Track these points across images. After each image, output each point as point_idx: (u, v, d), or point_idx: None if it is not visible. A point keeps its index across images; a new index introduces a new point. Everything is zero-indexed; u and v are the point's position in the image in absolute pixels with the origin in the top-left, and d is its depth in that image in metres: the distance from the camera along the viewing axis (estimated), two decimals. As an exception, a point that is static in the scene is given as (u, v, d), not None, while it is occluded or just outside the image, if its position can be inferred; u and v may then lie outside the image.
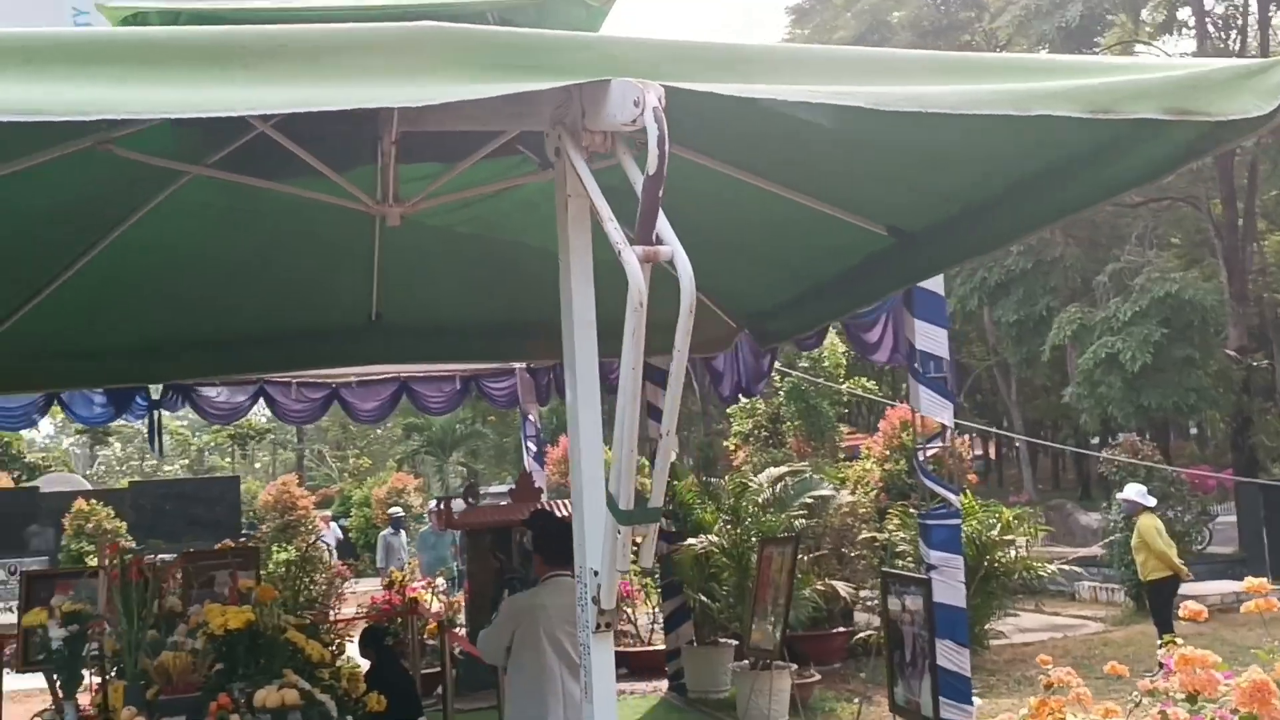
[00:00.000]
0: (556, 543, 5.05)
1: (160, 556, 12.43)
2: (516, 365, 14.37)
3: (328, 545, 22.63)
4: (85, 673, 7.32)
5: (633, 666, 11.62)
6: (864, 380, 16.34)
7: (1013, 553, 9.97)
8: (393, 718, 8.27)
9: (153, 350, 5.54)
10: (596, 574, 2.36)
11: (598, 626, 2.37)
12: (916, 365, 7.21)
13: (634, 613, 12.43)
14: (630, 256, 2.10)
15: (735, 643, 9.85)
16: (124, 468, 46.93)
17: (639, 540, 2.35)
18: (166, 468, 43.62)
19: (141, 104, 1.88)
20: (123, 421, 13.03)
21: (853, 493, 12.15)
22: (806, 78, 2.34)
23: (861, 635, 10.50)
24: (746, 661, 9.32)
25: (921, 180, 3.88)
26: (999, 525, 9.90)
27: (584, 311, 2.50)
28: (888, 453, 13.18)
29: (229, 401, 13.36)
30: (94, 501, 17.01)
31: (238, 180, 4.02)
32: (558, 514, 11.35)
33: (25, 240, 4.37)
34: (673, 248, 2.16)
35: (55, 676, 6.90)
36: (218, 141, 3.93)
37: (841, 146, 3.65)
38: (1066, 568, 13.62)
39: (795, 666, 9.41)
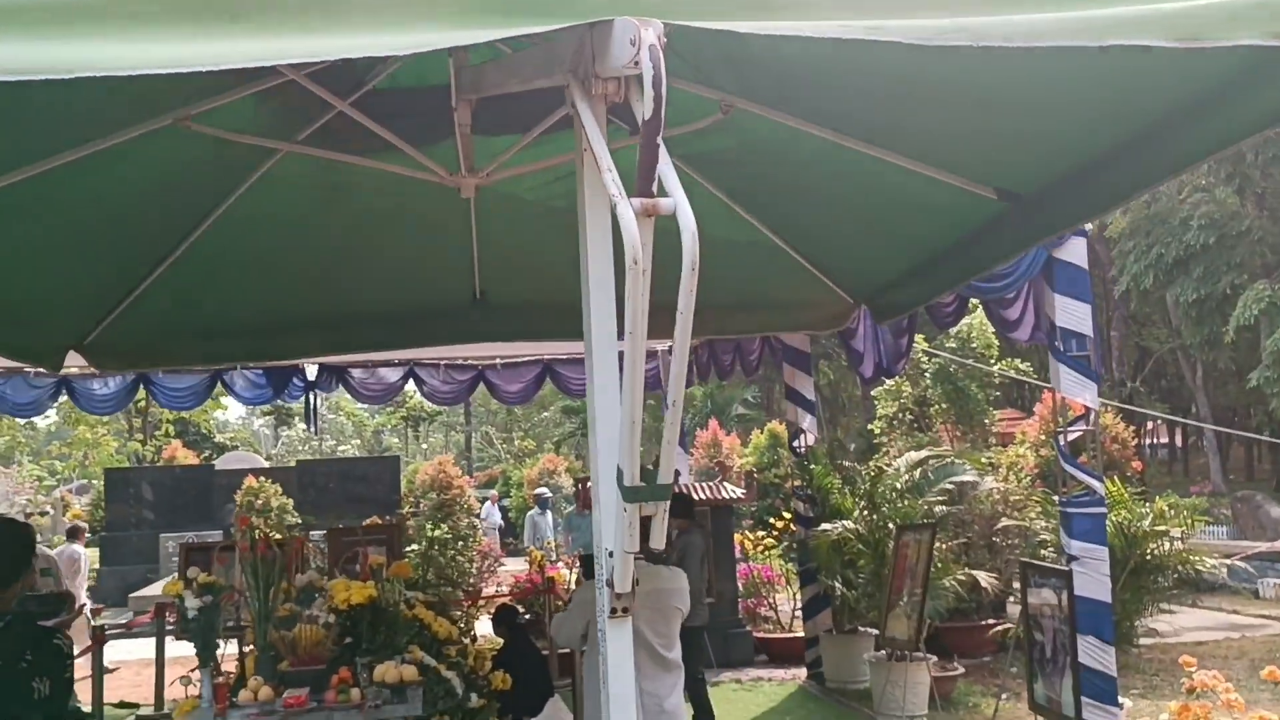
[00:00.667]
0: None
1: (311, 532, 12.94)
2: (659, 347, 14.33)
3: (493, 525, 23.23)
4: (222, 642, 7.64)
5: (772, 653, 11.42)
6: (1017, 362, 15.54)
7: (1168, 545, 9.27)
8: (521, 697, 8.34)
9: (268, 328, 5.66)
10: (611, 555, 2.20)
11: (613, 611, 2.21)
12: (1057, 343, 6.77)
13: (774, 599, 12.19)
14: (625, 209, 1.92)
15: (875, 632, 9.51)
16: (305, 448, 49.18)
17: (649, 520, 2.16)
18: (342, 448, 45.56)
19: (123, 61, 1.81)
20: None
21: (1004, 480, 11.56)
22: (843, 12, 2.10)
23: (1007, 629, 9.97)
24: (883, 652, 8.98)
25: (1028, 137, 3.56)
26: (1151, 516, 9.22)
27: (601, 274, 2.33)
28: (1044, 438, 12.51)
29: (381, 382, 13.78)
30: (264, 479, 17.80)
31: (322, 155, 4.02)
32: (695, 496, 11.28)
33: (134, 219, 4.49)
34: (675, 200, 1.96)
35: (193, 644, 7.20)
36: (299, 119, 3.93)
37: (944, 105, 3.38)
38: (1242, 565, 12.65)
39: (935, 659, 9.02)
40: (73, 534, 12.45)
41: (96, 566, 18.64)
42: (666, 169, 1.98)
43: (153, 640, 10.01)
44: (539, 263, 5.12)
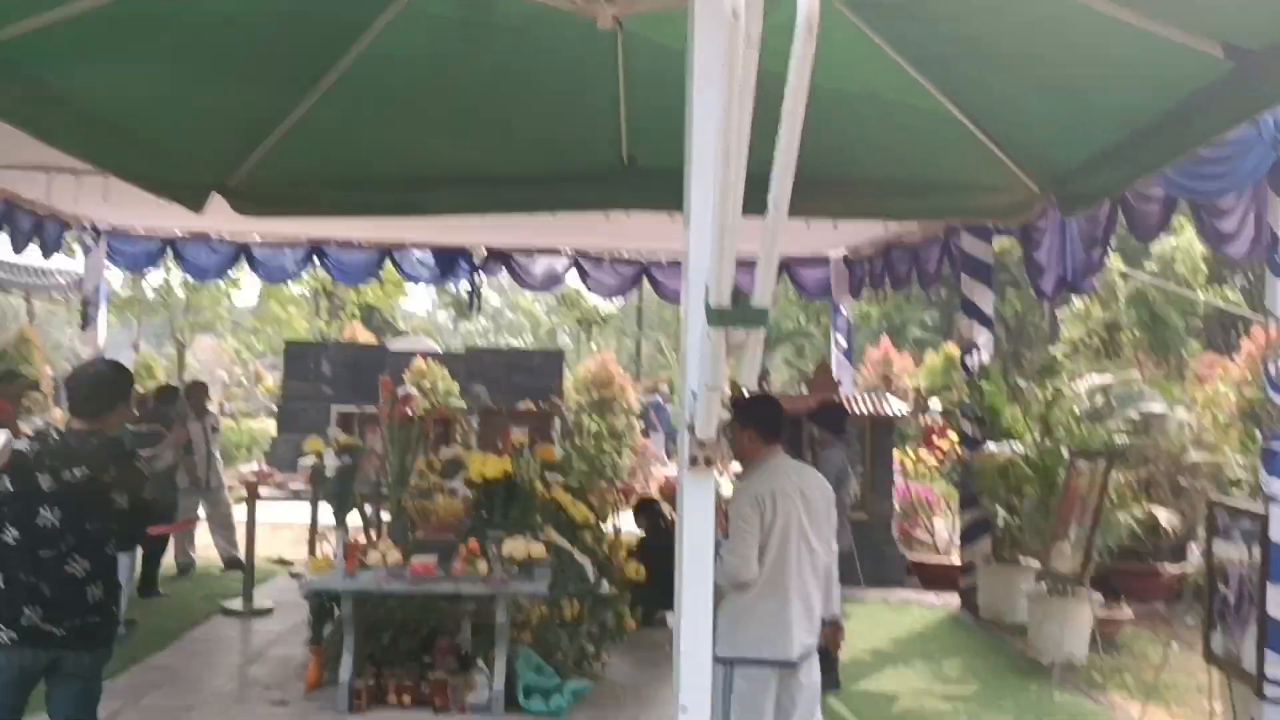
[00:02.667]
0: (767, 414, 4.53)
1: (461, 409, 13.06)
2: (831, 253, 13.73)
3: (656, 426, 23.23)
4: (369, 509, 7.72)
5: (925, 577, 10.92)
6: (1226, 291, 14.16)
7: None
8: (657, 591, 8.18)
9: (408, 181, 5.46)
10: (695, 396, 1.83)
11: (694, 460, 1.85)
12: (1277, 257, 5.94)
13: (931, 522, 11.65)
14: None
15: (1036, 564, 8.90)
16: (483, 340, 50.47)
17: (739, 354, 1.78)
18: (515, 343, 46.50)
19: None
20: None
21: (1200, 416, 10.58)
22: None
23: (1185, 573, 9.18)
24: (1044, 585, 8.39)
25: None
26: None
27: (708, 65, 1.92)
28: (1249, 376, 11.37)
29: (546, 270, 13.71)
30: (432, 362, 18.17)
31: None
32: (854, 409, 10.77)
33: (270, 51, 4.31)
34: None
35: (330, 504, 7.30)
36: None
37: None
38: None
39: (1100, 598, 8.37)
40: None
41: (273, 435, 19.55)
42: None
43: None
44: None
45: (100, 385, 4.00)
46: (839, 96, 4.34)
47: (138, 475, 3.96)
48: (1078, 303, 14.24)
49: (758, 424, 4.39)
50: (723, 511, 4.36)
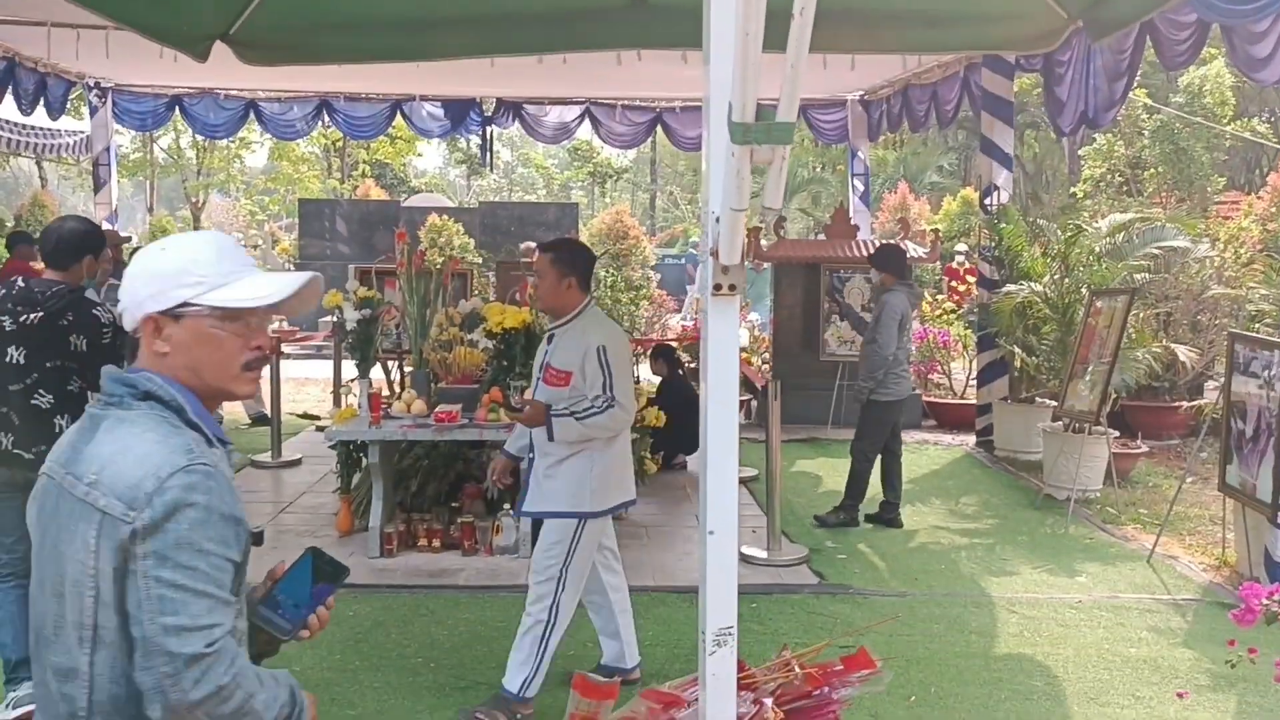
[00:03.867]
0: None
1: (476, 263, 13.05)
2: (848, 96, 13.43)
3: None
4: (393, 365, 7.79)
5: (942, 419, 11.04)
6: (1254, 123, 13.79)
7: None
8: (677, 436, 8.31)
9: (413, 23, 5.30)
10: (718, 220, 1.81)
11: (717, 287, 1.84)
12: (1311, 82, 5.78)
13: (948, 366, 11.70)
14: None
15: (1053, 403, 8.97)
16: (496, 197, 50.05)
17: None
18: (528, 199, 46.08)
19: None
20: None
21: (1222, 252, 10.45)
22: None
23: (1202, 406, 9.22)
24: (1060, 423, 8.47)
25: None
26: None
27: None
28: (1273, 211, 11.19)
29: (558, 121, 13.49)
30: (446, 217, 18.06)
31: None
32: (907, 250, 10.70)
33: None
34: None
35: (351, 356, 7.36)
36: None
37: None
38: None
39: (1116, 434, 8.46)
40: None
41: (293, 292, 19.59)
42: None
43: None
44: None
45: (67, 239, 4.28)
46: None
47: (94, 321, 4.18)
48: (1100, 139, 13.91)
49: (580, 272, 4.23)
50: (548, 367, 4.27)
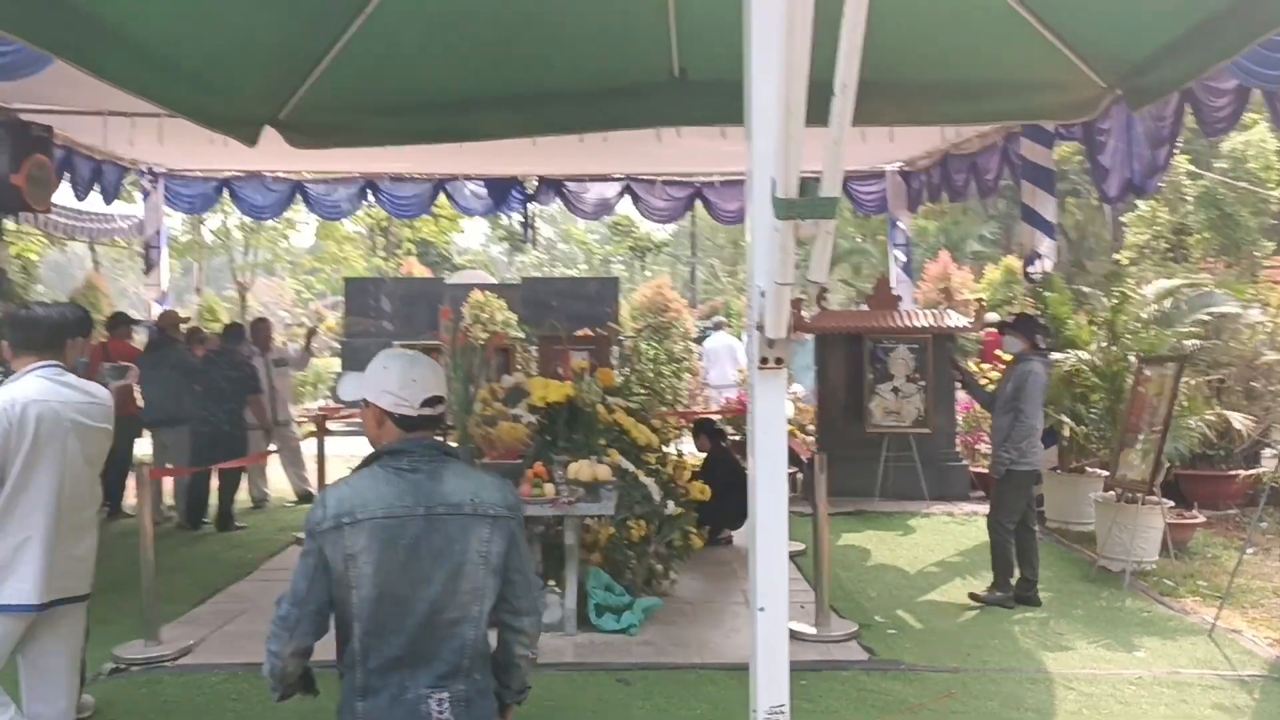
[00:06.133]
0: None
1: (519, 338, 13.13)
2: (888, 167, 13.51)
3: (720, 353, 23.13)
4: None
5: (989, 488, 10.84)
6: (1300, 185, 13.65)
7: None
8: (721, 510, 8.23)
9: (455, 105, 5.42)
10: (764, 295, 1.80)
11: (764, 361, 1.83)
12: (1357, 145, 5.73)
13: (991, 433, 11.52)
14: None
15: (1104, 472, 8.81)
16: (538, 272, 50.55)
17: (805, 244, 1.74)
18: (570, 272, 46.46)
19: None
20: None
21: (1275, 317, 10.29)
22: None
23: (1262, 477, 9.01)
24: (1112, 493, 8.30)
25: None
26: None
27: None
28: (1325, 275, 11.03)
29: (598, 197, 13.65)
30: (489, 293, 18.23)
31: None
32: (920, 323, 10.66)
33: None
34: None
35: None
36: None
37: None
38: None
39: (1171, 504, 8.27)
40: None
41: (338, 370, 19.83)
42: None
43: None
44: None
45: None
46: (894, -4, 4.22)
47: None
48: (1143, 206, 13.83)
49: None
50: None
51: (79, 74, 4.12)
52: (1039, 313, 9.55)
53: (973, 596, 7.18)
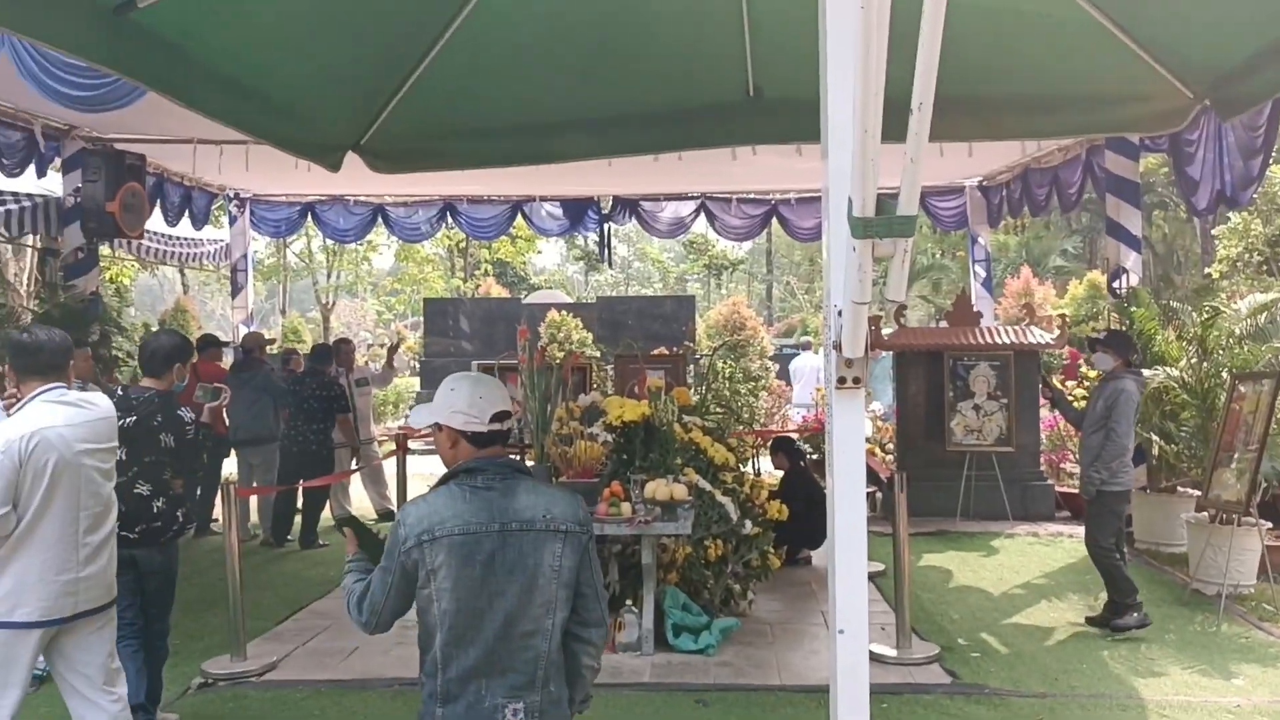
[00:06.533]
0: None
1: (595, 357, 13.18)
2: (966, 182, 13.32)
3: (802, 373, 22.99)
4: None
5: (1077, 511, 10.60)
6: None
7: None
8: (800, 529, 8.15)
9: (533, 128, 5.48)
10: (840, 313, 1.79)
11: (841, 381, 1.81)
12: None
13: (1079, 452, 11.26)
14: None
15: (1196, 492, 8.54)
16: (614, 291, 50.79)
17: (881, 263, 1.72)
18: (645, 291, 46.62)
19: None
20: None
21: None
22: None
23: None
24: (1205, 514, 8.05)
25: None
26: None
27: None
28: None
29: (674, 216, 13.67)
30: (565, 313, 18.38)
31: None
32: (1000, 339, 10.48)
33: (392, 12, 4.36)
34: None
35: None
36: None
37: None
38: None
39: (1269, 525, 7.99)
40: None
41: (417, 389, 20.12)
42: None
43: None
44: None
45: (160, 350, 5.02)
46: (973, 10, 4.17)
47: (180, 421, 4.95)
48: (1235, 218, 13.44)
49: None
50: None
51: (170, 104, 4.25)
52: (1124, 328, 9.32)
53: (1114, 627, 6.80)
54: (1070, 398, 12.17)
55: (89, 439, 4.00)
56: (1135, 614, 6.78)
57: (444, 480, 2.71)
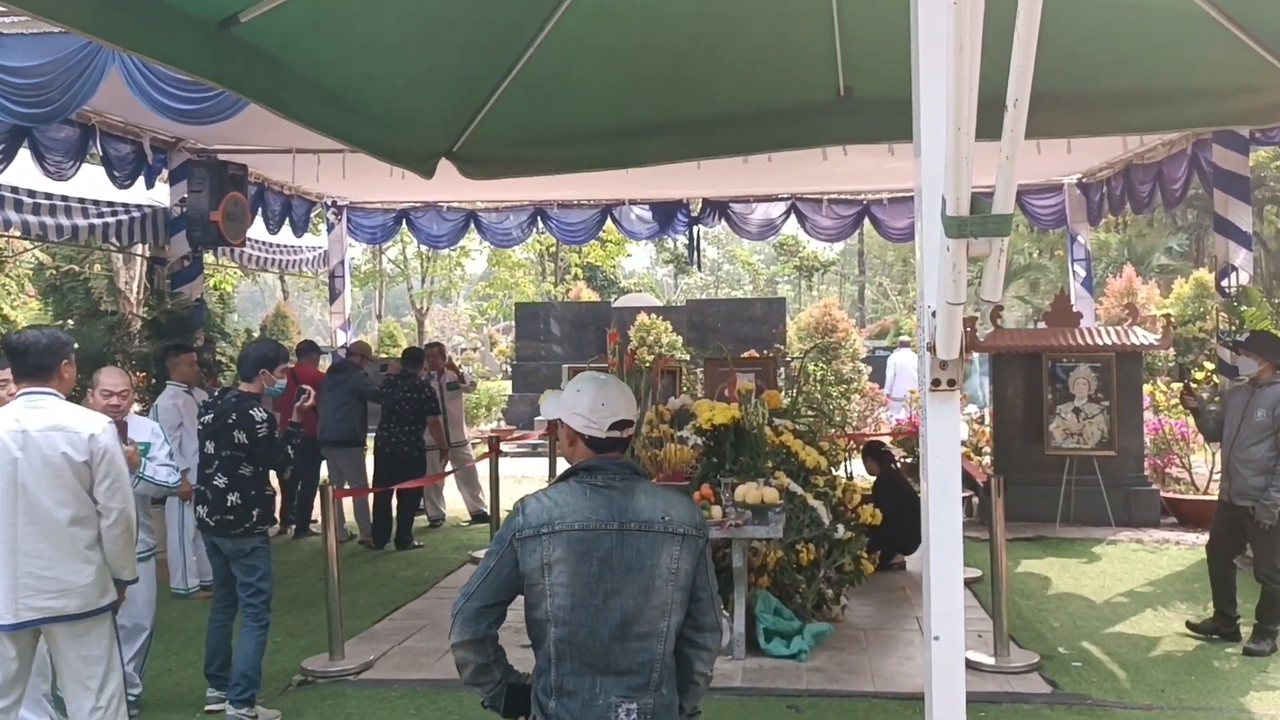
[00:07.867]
0: None
1: (685, 360, 13.16)
2: (1065, 179, 13.00)
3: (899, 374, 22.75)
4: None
5: (1183, 517, 10.27)
6: None
7: None
8: (893, 534, 8.04)
9: (622, 132, 5.50)
10: (934, 315, 1.75)
11: (935, 383, 1.77)
12: None
13: (1188, 459, 10.91)
14: None
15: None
16: (703, 294, 50.76)
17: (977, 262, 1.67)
18: (735, 294, 46.47)
19: None
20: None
21: None
22: None
23: None
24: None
25: None
26: None
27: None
28: None
29: (763, 217, 13.61)
30: (655, 316, 18.41)
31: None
32: (1099, 340, 10.21)
33: (483, 19, 4.41)
34: None
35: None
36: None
37: None
38: None
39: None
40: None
41: (508, 393, 20.34)
42: None
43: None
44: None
45: (248, 358, 5.57)
46: (1070, 3, 4.07)
47: (251, 420, 5.34)
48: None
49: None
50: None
51: (270, 116, 4.36)
52: (1234, 328, 9.00)
53: (1248, 650, 6.42)
54: (1175, 399, 11.81)
55: (42, 444, 3.94)
56: (1268, 641, 6.44)
57: (564, 477, 2.72)
